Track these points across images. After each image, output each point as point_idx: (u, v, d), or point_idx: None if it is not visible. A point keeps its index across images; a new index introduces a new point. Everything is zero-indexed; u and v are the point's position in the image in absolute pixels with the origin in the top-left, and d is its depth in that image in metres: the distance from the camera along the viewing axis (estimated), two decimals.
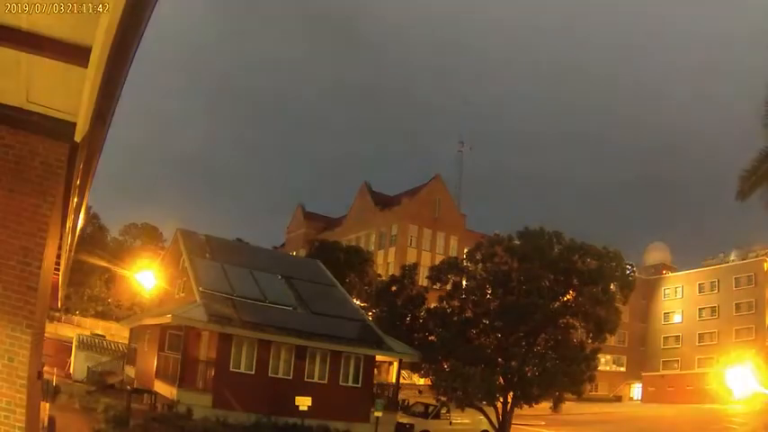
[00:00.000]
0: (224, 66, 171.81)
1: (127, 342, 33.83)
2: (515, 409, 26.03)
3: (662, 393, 57.83)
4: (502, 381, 25.94)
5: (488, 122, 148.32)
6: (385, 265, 59.88)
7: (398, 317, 31.61)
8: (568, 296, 26.69)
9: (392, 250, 63.68)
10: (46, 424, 12.93)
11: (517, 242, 27.42)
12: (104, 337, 37.58)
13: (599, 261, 26.24)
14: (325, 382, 23.79)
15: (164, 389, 22.85)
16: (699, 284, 68.96)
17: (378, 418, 22.32)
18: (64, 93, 5.40)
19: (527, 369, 26.03)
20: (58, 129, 6.05)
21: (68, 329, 40.45)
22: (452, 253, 57.45)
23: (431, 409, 27.71)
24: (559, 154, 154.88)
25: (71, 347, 33.75)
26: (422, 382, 38.56)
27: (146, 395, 23.53)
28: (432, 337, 28.95)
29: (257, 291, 24.80)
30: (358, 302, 35.93)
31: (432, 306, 30.44)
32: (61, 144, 6.30)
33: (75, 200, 7.97)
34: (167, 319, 21.97)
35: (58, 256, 10.37)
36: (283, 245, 76.92)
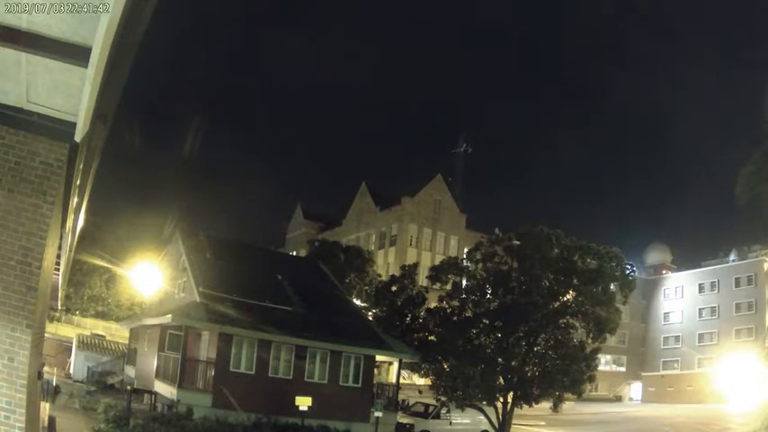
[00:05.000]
0: (222, 64, 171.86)
1: (127, 342, 33.82)
2: (515, 409, 26.05)
3: (662, 393, 57.81)
4: (502, 381, 25.96)
5: (489, 121, 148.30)
6: (385, 265, 59.83)
7: (398, 317, 31.64)
8: (568, 296, 26.71)
9: (392, 250, 63.66)
10: (46, 424, 12.93)
11: (517, 242, 27.43)
12: (104, 337, 37.52)
13: (599, 261, 26.27)
14: (325, 382, 23.77)
15: (164, 389, 22.86)
16: (699, 284, 68.93)
17: (378, 418, 22.32)
18: (64, 93, 5.40)
19: (527, 369, 26.05)
20: (58, 129, 6.06)
21: (68, 329, 40.37)
22: (452, 253, 57.41)
23: (431, 409, 27.71)
24: (560, 154, 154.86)
25: (71, 347, 33.72)
26: (422, 382, 38.55)
27: (146, 395, 23.53)
28: (432, 337, 28.98)
29: (257, 291, 24.80)
30: (358, 302, 35.94)
31: (432, 306, 30.47)
32: (61, 144, 6.31)
33: (75, 200, 7.97)
34: (167, 319, 21.97)
35: (58, 256, 10.37)
36: (283, 245, 76.88)
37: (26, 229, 6.18)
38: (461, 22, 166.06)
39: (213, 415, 20.21)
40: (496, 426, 25.81)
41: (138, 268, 32.42)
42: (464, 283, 28.99)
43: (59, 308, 34.54)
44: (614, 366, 69.54)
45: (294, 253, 67.22)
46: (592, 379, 26.76)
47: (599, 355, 28.14)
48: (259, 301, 24.04)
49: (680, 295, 70.85)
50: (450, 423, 27.42)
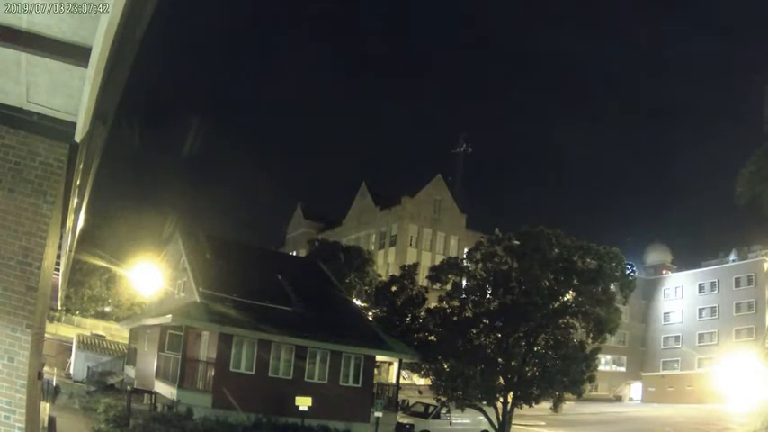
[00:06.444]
0: (223, 64, 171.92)
1: (127, 342, 33.81)
2: (515, 409, 26.05)
3: (662, 393, 57.79)
4: (502, 381, 25.97)
5: (489, 120, 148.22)
6: (385, 265, 59.83)
7: (398, 317, 31.64)
8: (568, 296, 26.72)
9: (392, 250, 63.65)
10: (46, 424, 12.92)
11: (517, 242, 27.43)
12: (104, 337, 37.50)
13: (599, 261, 26.28)
14: (326, 382, 23.77)
15: (164, 389, 22.85)
16: (699, 284, 68.92)
17: (378, 418, 22.32)
18: (64, 93, 5.40)
19: (527, 369, 26.06)
20: (58, 129, 6.06)
21: (68, 329, 40.35)
22: (452, 253, 57.40)
23: (431, 409, 27.71)
24: (560, 153, 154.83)
25: (71, 347, 33.71)
26: (422, 382, 38.57)
27: (146, 395, 23.52)
28: (432, 337, 28.98)
29: (257, 291, 24.80)
30: (358, 302, 35.94)
31: (432, 306, 30.47)
32: (61, 144, 6.31)
33: (75, 200, 7.97)
34: (167, 319, 21.97)
35: (58, 256, 10.37)
36: (283, 245, 76.87)
37: (26, 229, 6.18)
38: (461, 21, 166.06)
39: (213, 415, 20.22)
40: (496, 426, 25.81)
41: (138, 268, 32.37)
42: (464, 283, 28.98)
43: (59, 308, 34.54)
44: (614, 366, 69.54)
45: (294, 253, 67.22)
46: (592, 379, 26.77)
47: (599, 355, 28.14)
48: (259, 301, 24.04)
49: (680, 295, 70.85)
50: (451, 423, 27.41)
